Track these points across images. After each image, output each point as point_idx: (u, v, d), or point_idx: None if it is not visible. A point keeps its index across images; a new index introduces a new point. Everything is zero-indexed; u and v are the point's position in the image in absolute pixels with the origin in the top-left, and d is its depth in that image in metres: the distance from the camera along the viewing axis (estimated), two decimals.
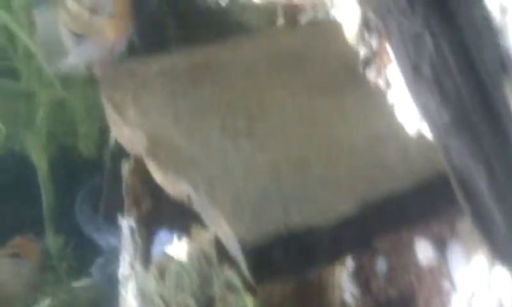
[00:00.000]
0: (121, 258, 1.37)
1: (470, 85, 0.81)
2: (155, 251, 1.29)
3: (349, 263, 1.14)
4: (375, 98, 1.08)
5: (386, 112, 1.05)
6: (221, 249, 1.08)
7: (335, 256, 0.99)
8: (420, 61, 0.82)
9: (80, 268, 2.07)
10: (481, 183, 0.81)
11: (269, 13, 1.37)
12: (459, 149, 0.82)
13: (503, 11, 0.83)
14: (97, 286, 1.99)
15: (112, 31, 1.37)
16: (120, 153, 1.27)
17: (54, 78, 1.87)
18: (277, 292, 1.17)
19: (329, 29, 1.21)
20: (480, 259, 0.98)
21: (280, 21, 1.37)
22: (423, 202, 0.96)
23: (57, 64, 1.45)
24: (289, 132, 1.08)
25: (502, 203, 0.81)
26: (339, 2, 1.15)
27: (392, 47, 0.86)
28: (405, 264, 1.07)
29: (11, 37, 1.95)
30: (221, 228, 0.96)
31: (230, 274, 1.13)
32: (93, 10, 1.35)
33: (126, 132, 1.14)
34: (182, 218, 1.18)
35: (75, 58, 1.40)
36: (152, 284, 1.19)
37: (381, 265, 1.10)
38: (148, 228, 1.32)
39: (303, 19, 1.34)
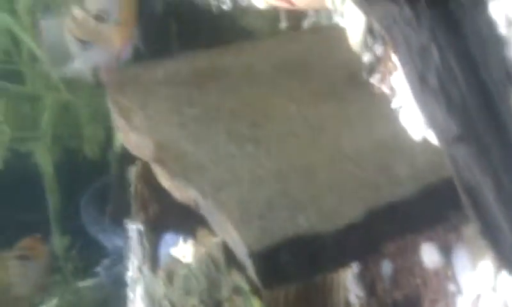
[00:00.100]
0: (128, 261, 1.38)
1: (477, 96, 0.82)
2: (163, 254, 1.30)
3: (354, 264, 1.14)
4: (379, 105, 1.09)
5: (390, 118, 1.06)
6: (229, 253, 1.09)
7: (341, 261, 1.00)
8: (427, 72, 0.83)
9: (85, 269, 2.09)
10: (488, 193, 0.82)
11: (271, 18, 1.38)
12: (466, 159, 0.82)
13: (509, 22, 0.83)
14: (103, 286, 2.00)
15: (118, 38, 1.38)
16: (126, 156, 1.28)
17: (59, 82, 1.88)
18: (282, 293, 1.17)
19: (332, 34, 1.22)
20: (486, 263, 0.99)
21: (283, 25, 1.38)
22: (428, 208, 0.97)
23: (62, 69, 1.46)
24: (294, 137, 1.08)
25: (509, 212, 0.82)
26: (344, 10, 1.15)
27: (399, 58, 0.86)
28: (411, 267, 1.08)
29: (16, 41, 1.96)
30: (228, 233, 0.97)
31: (237, 278, 1.13)
32: (99, 18, 1.36)
33: (133, 138, 1.15)
34: (189, 221, 1.19)
35: (80, 63, 1.41)
36: (160, 287, 1.20)
37: (386, 267, 1.11)
38: (155, 232, 1.32)
39: (306, 23, 1.35)
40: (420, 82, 0.84)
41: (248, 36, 1.41)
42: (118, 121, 1.18)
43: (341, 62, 1.18)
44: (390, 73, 1.08)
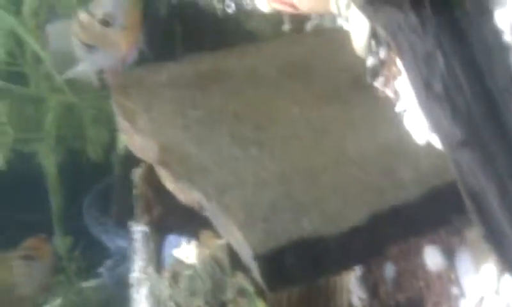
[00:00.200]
0: (133, 263, 1.39)
1: (481, 103, 0.82)
2: (167, 255, 1.31)
3: (357, 267, 1.15)
4: (383, 108, 1.09)
5: (394, 122, 1.06)
6: (233, 255, 1.09)
7: (345, 264, 1.00)
8: (432, 78, 0.83)
9: (88, 269, 2.09)
10: (492, 199, 0.82)
11: (275, 21, 1.38)
12: (471, 164, 0.83)
13: None
14: (106, 287, 2.01)
15: (124, 43, 1.38)
16: (129, 158, 1.28)
17: (63, 84, 1.88)
18: (285, 295, 1.18)
19: (336, 37, 1.22)
20: (489, 267, 0.99)
21: (286, 27, 1.38)
22: (432, 211, 0.97)
23: (67, 72, 1.46)
24: (298, 140, 1.09)
25: None
26: (348, 13, 1.15)
27: (404, 64, 0.87)
28: (414, 270, 1.08)
29: (20, 42, 1.96)
30: (233, 235, 0.98)
31: (242, 280, 1.14)
32: (105, 22, 1.36)
33: (137, 140, 1.15)
34: (193, 223, 1.19)
35: (86, 67, 1.41)
36: (165, 288, 1.21)
37: (389, 270, 1.11)
38: (160, 233, 1.33)
39: (309, 26, 1.36)
40: (425, 89, 0.84)
41: (251, 38, 1.41)
42: (122, 123, 1.18)
43: (345, 65, 1.18)
44: (394, 77, 1.09)
